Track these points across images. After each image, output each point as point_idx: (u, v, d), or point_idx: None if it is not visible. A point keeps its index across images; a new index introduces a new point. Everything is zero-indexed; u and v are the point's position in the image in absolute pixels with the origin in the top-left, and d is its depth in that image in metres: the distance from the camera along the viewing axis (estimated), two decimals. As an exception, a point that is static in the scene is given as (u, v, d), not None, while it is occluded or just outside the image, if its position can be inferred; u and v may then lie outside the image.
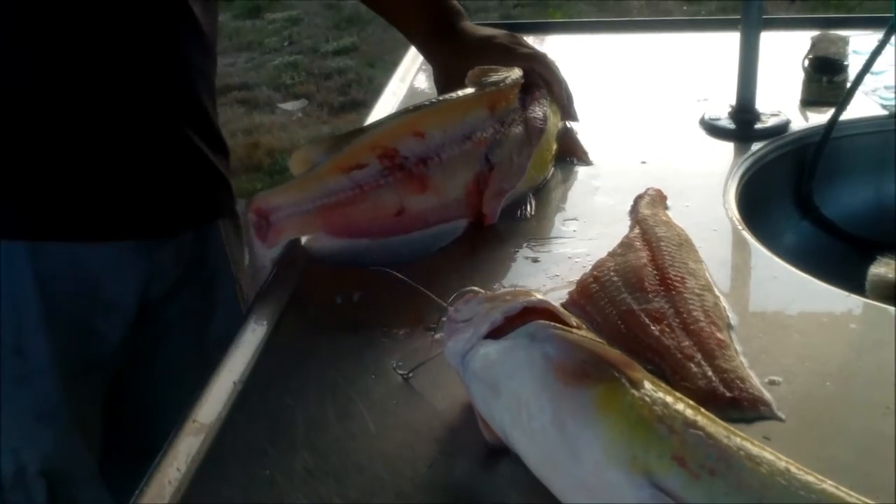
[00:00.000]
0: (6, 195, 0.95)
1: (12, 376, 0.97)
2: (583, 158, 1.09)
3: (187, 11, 1.03)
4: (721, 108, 1.17)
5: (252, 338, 0.78)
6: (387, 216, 0.88)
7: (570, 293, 0.80)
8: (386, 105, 1.28)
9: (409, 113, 0.95)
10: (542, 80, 1.09)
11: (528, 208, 0.97)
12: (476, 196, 0.93)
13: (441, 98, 0.99)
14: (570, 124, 1.14)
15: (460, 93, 0.97)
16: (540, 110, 1.04)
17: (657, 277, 0.78)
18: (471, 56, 1.06)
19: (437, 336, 0.72)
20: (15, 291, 0.96)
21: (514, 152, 0.96)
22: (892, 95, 1.21)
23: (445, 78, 1.11)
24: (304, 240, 0.90)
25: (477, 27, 1.14)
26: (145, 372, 1.11)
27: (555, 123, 1.07)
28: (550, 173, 1.05)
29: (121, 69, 0.97)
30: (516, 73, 1.02)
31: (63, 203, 0.97)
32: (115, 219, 1.01)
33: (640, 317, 0.74)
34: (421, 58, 1.27)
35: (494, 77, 0.99)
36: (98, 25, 0.95)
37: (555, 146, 1.06)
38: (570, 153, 1.09)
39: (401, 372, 0.71)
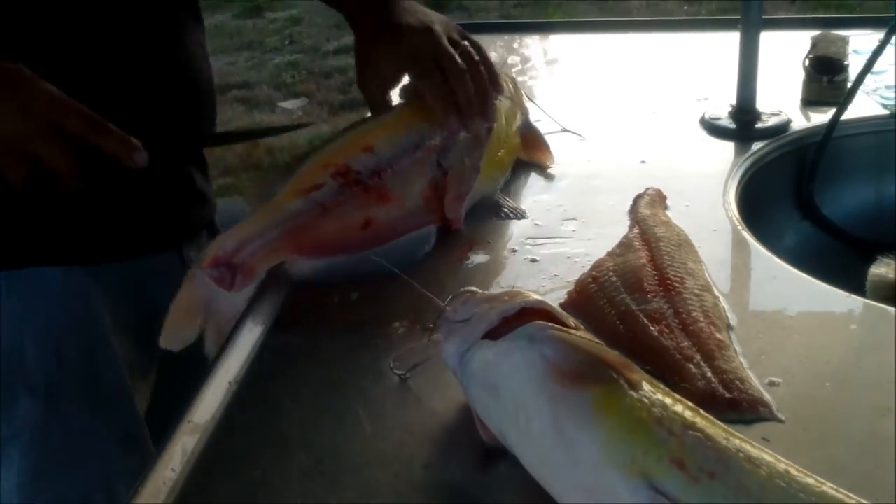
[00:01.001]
0: (55, 223, 0.93)
1: (86, 405, 0.95)
2: (545, 162, 1.08)
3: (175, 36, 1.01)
4: (721, 107, 1.17)
5: (248, 338, 0.77)
6: (355, 230, 0.87)
7: (569, 293, 0.79)
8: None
9: (356, 129, 0.96)
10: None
11: (515, 210, 0.97)
12: (436, 201, 0.93)
13: (387, 113, 0.99)
14: (532, 122, 1.13)
15: (404, 105, 0.99)
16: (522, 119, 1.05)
17: (656, 278, 0.78)
18: (383, 44, 0.98)
19: (435, 337, 0.71)
20: (85, 316, 0.94)
21: (466, 154, 0.96)
22: (893, 95, 1.21)
23: (360, 65, 1.00)
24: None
25: (407, 6, 0.99)
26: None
27: (510, 117, 1.06)
28: (510, 169, 1.04)
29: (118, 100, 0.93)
30: None
31: (110, 223, 0.95)
32: (155, 229, 1.00)
33: (638, 317, 0.73)
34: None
35: None
36: (89, 49, 0.92)
37: (516, 141, 1.06)
38: (533, 153, 1.08)
39: (398, 372, 0.71)
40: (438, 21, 0.99)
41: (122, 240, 0.97)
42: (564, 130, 1.16)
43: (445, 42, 0.96)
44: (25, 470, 0.93)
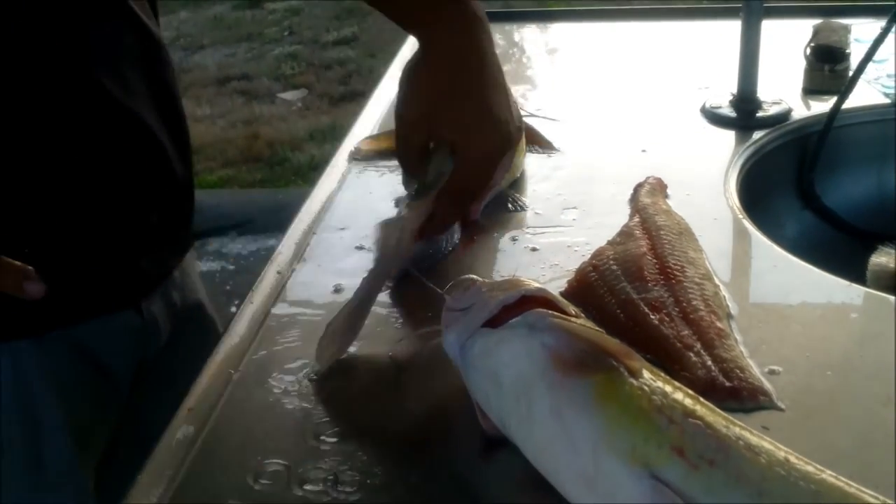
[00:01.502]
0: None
1: (31, 492, 0.87)
2: (547, 147, 1.08)
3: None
4: (722, 96, 1.16)
5: (248, 327, 0.77)
6: None
7: (569, 282, 0.79)
8: (384, 95, 1.27)
9: None
10: None
11: (518, 202, 0.96)
12: None
13: None
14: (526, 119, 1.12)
15: None
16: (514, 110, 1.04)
17: (657, 266, 0.77)
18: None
19: (435, 326, 0.71)
20: (29, 398, 0.85)
21: None
22: (895, 84, 1.20)
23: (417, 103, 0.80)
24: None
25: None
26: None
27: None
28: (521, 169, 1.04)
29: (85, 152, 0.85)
30: None
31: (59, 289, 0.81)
32: (110, 288, 0.90)
33: (639, 306, 0.73)
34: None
35: None
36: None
37: (523, 145, 1.06)
38: (534, 143, 1.08)
39: (389, 354, 0.71)
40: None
41: (71, 305, 0.86)
42: (533, 115, 1.15)
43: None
44: None
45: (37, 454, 0.87)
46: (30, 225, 0.83)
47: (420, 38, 0.78)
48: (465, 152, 0.78)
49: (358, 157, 1.09)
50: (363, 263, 0.86)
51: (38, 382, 0.86)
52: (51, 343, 0.86)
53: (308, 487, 0.60)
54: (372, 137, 1.12)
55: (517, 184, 1.01)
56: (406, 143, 0.81)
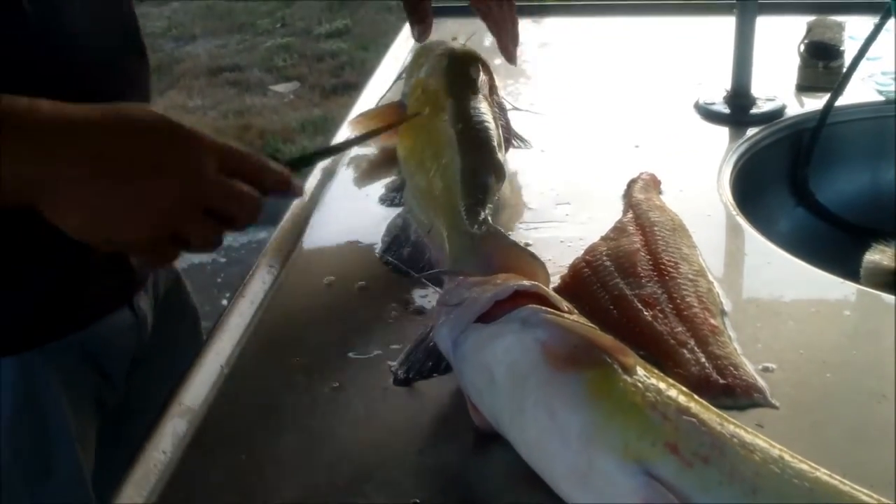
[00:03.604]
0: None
1: (43, 496, 0.86)
2: (522, 141, 1.08)
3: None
4: (716, 92, 1.16)
5: (240, 322, 0.77)
6: None
7: (563, 278, 0.79)
8: (377, 88, 1.26)
9: None
10: (493, 22, 1.09)
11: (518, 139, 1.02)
12: None
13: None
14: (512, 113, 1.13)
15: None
16: (503, 116, 1.04)
17: (650, 262, 0.77)
18: None
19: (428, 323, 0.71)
20: (40, 403, 0.85)
21: None
22: (889, 81, 1.20)
23: None
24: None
25: None
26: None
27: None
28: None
29: None
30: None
31: (63, 299, 0.85)
32: (107, 287, 0.90)
33: (632, 302, 0.73)
34: (412, 41, 1.25)
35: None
36: None
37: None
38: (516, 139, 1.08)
39: (390, 363, 0.70)
40: None
41: (76, 311, 0.87)
42: (515, 108, 1.15)
43: None
44: None
45: (45, 463, 0.87)
46: (33, 229, 0.81)
47: None
48: None
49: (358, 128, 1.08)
50: (355, 256, 0.86)
51: (47, 391, 0.85)
52: (57, 351, 0.85)
53: (299, 483, 0.60)
54: (364, 115, 1.10)
55: (509, 177, 1.00)
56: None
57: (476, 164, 0.87)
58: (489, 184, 0.85)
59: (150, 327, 0.97)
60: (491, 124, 0.94)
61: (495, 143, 0.92)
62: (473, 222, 0.77)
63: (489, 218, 0.79)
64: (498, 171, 0.88)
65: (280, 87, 4.50)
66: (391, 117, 1.04)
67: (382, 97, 1.21)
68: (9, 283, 0.81)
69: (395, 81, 1.21)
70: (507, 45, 1.10)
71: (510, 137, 1.04)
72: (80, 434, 0.89)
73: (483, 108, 0.96)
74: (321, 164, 1.05)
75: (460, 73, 1.02)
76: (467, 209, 0.79)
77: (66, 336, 0.86)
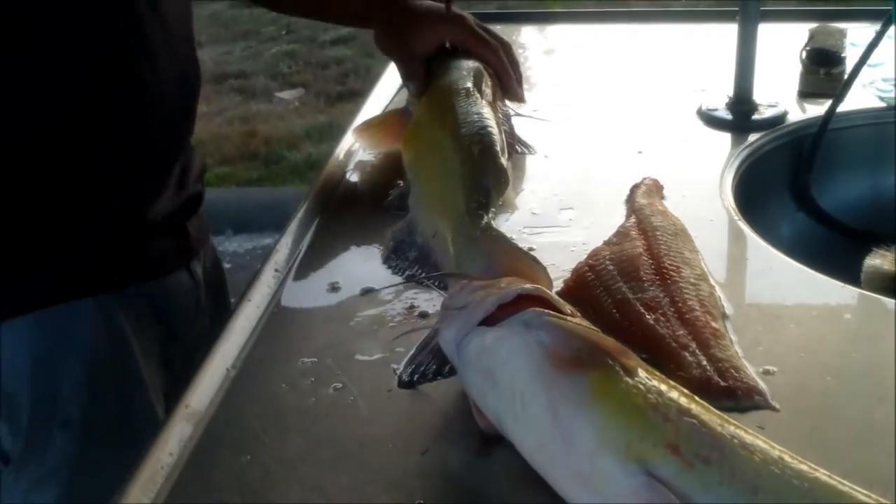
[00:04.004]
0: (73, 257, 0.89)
1: (121, 439, 0.90)
2: (526, 147, 1.09)
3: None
4: (718, 98, 1.17)
5: (246, 324, 0.78)
6: None
7: (566, 282, 0.80)
8: (382, 95, 1.27)
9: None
10: (493, 70, 1.10)
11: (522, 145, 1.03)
12: None
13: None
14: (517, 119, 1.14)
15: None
16: (506, 122, 1.05)
17: (652, 267, 0.78)
18: (429, 19, 1.10)
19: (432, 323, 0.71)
20: (116, 346, 0.91)
21: None
22: (890, 87, 1.21)
23: (403, 37, 1.11)
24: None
25: None
26: None
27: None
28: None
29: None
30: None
31: (135, 246, 0.93)
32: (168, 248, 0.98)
33: (635, 306, 0.73)
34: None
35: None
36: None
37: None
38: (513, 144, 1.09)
39: (394, 366, 0.71)
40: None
41: (145, 262, 0.95)
42: (518, 115, 1.16)
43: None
44: None
45: (126, 401, 0.92)
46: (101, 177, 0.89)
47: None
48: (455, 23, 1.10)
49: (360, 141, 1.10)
50: (360, 262, 0.87)
51: (123, 332, 0.91)
52: (128, 298, 0.92)
53: (304, 484, 0.60)
54: (367, 123, 1.12)
55: (513, 182, 1.01)
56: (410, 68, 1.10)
57: (479, 168, 0.88)
58: (491, 188, 0.85)
59: (203, 295, 1.03)
60: (494, 129, 0.95)
61: (498, 148, 0.92)
62: (476, 226, 0.78)
63: (492, 222, 0.80)
64: (500, 174, 0.89)
65: (285, 94, 4.52)
66: (395, 125, 1.05)
67: (388, 105, 1.22)
68: (80, 227, 0.88)
69: (400, 89, 1.22)
70: (512, 86, 1.13)
71: (513, 143, 1.05)
72: (152, 385, 0.93)
73: (486, 114, 0.97)
74: (326, 169, 1.06)
75: (463, 80, 1.03)
76: (470, 213, 0.80)
77: (135, 284, 0.93)
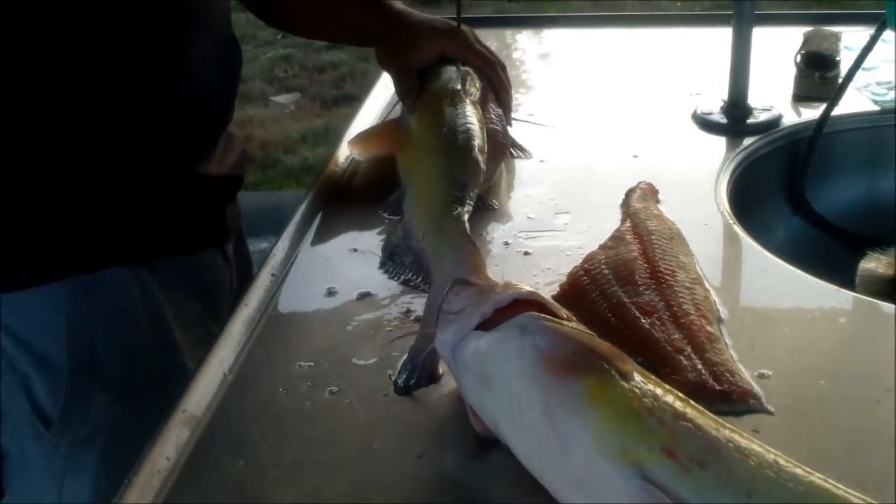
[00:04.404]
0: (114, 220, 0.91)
1: (159, 404, 0.94)
2: (522, 151, 1.09)
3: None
4: (713, 102, 1.17)
5: (243, 329, 0.78)
6: None
7: (561, 286, 0.80)
8: (378, 99, 1.27)
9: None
10: (490, 85, 1.10)
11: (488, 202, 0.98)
12: None
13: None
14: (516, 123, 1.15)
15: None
16: (500, 123, 1.05)
17: (648, 271, 0.78)
18: (428, 33, 1.10)
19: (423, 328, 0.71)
20: (153, 314, 0.94)
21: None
22: (885, 91, 1.22)
23: (401, 50, 1.10)
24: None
25: (414, 11, 1.13)
26: None
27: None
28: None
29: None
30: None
31: (170, 219, 0.96)
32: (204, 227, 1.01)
33: (630, 309, 0.74)
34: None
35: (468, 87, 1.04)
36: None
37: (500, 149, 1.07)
38: (509, 148, 1.09)
39: (390, 371, 0.71)
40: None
41: (180, 236, 0.97)
42: (525, 121, 1.16)
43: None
44: (101, 477, 0.91)
45: (163, 367, 0.93)
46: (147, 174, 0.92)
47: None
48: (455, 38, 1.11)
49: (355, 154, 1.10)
50: (357, 266, 0.87)
51: (159, 302, 0.94)
52: (163, 271, 0.94)
53: (301, 488, 0.61)
54: (362, 134, 1.12)
55: (508, 186, 1.02)
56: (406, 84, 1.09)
57: (456, 165, 0.90)
58: (468, 182, 0.86)
59: (235, 280, 1.06)
60: (475, 127, 0.96)
61: (475, 143, 0.93)
62: (447, 218, 0.80)
63: (465, 215, 0.81)
64: (476, 169, 0.90)
65: (281, 98, 4.51)
66: (389, 135, 1.06)
67: (385, 109, 1.22)
68: (117, 197, 0.90)
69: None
70: (508, 103, 1.13)
71: (507, 145, 1.05)
72: (189, 354, 0.96)
73: (468, 112, 0.99)
74: (322, 173, 1.07)
75: (452, 82, 1.04)
76: (444, 207, 0.81)
77: (168, 256, 0.95)
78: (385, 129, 1.12)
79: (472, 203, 0.85)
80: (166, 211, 0.95)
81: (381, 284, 0.83)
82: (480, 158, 0.92)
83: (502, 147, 1.03)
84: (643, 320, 0.72)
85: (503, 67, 1.13)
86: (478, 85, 1.07)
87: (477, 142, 0.93)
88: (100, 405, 0.91)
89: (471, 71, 1.09)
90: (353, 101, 4.07)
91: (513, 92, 1.15)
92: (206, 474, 0.63)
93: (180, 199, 0.96)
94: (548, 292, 0.77)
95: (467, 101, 1.01)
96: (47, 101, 0.85)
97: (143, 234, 0.93)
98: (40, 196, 0.87)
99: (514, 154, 1.07)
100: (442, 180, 0.88)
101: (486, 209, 0.96)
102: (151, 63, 0.90)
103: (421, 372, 0.70)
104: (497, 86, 1.11)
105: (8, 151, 0.85)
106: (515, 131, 1.11)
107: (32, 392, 0.90)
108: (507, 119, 1.09)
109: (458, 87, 1.03)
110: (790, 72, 1.23)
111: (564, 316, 0.62)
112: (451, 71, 1.07)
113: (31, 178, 0.86)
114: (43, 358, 0.89)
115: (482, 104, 1.04)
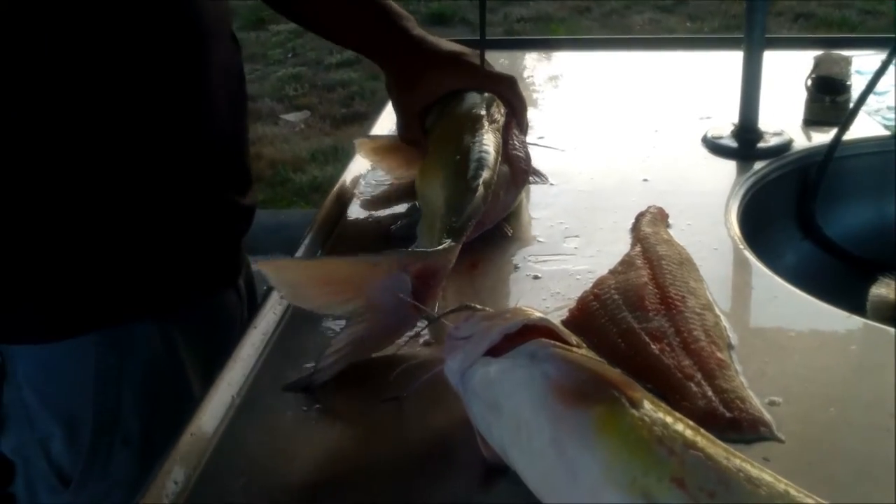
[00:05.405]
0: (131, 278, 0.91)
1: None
2: (538, 176, 1.09)
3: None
4: (724, 126, 1.17)
5: (251, 352, 0.78)
6: None
7: (571, 311, 0.80)
8: (387, 118, 1.28)
9: None
10: (508, 105, 1.07)
11: (507, 230, 0.97)
12: None
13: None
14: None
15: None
16: (522, 149, 1.04)
17: (658, 296, 0.78)
18: (435, 68, 1.05)
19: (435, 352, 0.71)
20: (175, 366, 0.94)
21: (503, 189, 0.95)
22: (895, 116, 1.21)
23: (406, 86, 1.06)
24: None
25: (435, 39, 1.08)
26: None
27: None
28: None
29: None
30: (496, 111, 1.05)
31: (191, 267, 0.96)
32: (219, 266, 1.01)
33: (640, 335, 0.73)
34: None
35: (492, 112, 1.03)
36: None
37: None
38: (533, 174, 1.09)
39: (396, 395, 0.71)
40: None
41: (201, 276, 0.97)
42: (535, 144, 1.16)
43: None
44: None
45: (181, 420, 0.92)
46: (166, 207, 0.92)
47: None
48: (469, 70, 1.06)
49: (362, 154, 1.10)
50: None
51: (181, 353, 0.94)
52: (183, 319, 0.95)
53: (309, 513, 0.60)
54: (372, 140, 1.12)
55: (518, 210, 1.02)
56: (407, 125, 1.06)
57: (461, 192, 0.88)
58: (468, 210, 0.84)
59: (246, 311, 1.06)
60: (487, 157, 0.93)
61: (483, 173, 0.90)
62: (438, 244, 0.79)
63: (455, 243, 0.79)
64: (474, 194, 0.87)
65: (291, 117, 4.53)
66: (400, 150, 1.06)
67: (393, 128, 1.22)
68: (143, 246, 0.90)
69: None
70: (524, 122, 1.10)
71: (529, 171, 1.04)
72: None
73: (486, 140, 0.96)
74: (332, 192, 1.07)
75: (476, 107, 1.04)
76: (439, 235, 0.81)
77: (191, 300, 0.96)
78: (398, 145, 1.11)
79: (467, 232, 0.82)
80: (190, 249, 0.95)
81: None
82: (484, 192, 0.89)
83: (524, 174, 1.02)
84: (653, 346, 0.72)
85: (514, 82, 1.10)
86: (502, 111, 1.06)
87: (485, 174, 0.90)
88: (120, 460, 0.90)
89: (492, 97, 1.08)
90: (363, 119, 4.09)
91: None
92: (214, 498, 0.63)
93: (204, 232, 0.96)
94: (557, 317, 0.77)
95: (488, 127, 0.99)
96: (82, 154, 0.85)
97: (169, 278, 0.93)
98: (70, 245, 0.87)
99: (532, 180, 1.07)
100: (445, 207, 0.87)
101: (501, 236, 0.95)
102: (169, 97, 0.91)
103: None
104: (516, 105, 1.08)
105: (36, 203, 0.85)
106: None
107: (51, 448, 0.90)
108: (522, 131, 1.08)
109: (483, 112, 1.02)
110: (801, 96, 1.23)
111: (574, 342, 0.62)
112: (475, 96, 1.07)
113: (63, 226, 0.86)
114: (67, 413, 0.89)
115: (505, 130, 1.03)
